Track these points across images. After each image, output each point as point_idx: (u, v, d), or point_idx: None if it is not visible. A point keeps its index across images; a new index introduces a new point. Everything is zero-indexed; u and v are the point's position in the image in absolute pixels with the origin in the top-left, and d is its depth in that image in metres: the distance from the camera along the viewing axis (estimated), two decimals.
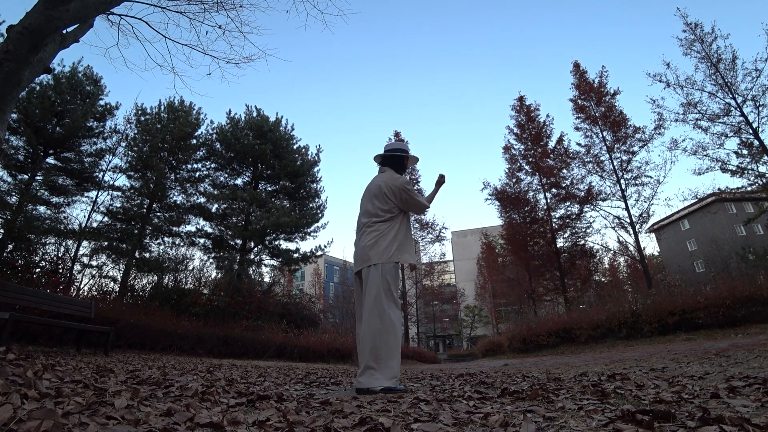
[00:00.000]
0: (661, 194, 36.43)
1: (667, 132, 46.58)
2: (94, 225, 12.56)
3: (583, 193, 18.21)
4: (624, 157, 17.35)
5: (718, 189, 15.92)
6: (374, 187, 2.96)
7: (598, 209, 18.07)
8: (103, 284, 11.35)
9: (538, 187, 19.94)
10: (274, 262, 16.15)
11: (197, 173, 15.45)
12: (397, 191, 2.87)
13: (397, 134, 25.10)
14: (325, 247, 15.87)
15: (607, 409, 1.44)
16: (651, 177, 16.77)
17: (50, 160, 12.60)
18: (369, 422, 1.32)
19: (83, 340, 5.88)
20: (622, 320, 10.36)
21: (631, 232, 16.72)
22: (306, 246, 33.12)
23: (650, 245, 51.80)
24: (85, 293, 9.67)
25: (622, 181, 17.13)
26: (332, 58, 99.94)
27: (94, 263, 12.34)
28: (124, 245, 12.29)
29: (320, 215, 16.07)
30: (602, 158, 17.86)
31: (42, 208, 12.30)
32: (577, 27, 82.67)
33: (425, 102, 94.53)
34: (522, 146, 20.82)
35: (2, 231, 9.38)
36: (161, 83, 62.32)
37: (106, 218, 13.01)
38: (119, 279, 11.89)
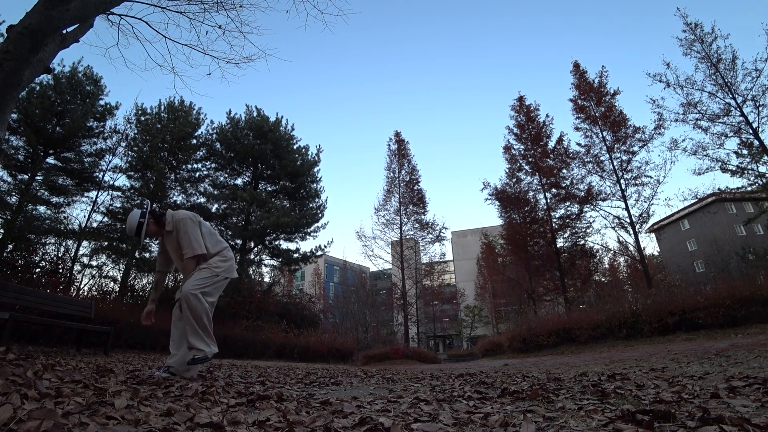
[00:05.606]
0: (661, 194, 36.42)
1: (667, 132, 46.64)
2: (94, 225, 12.58)
3: (583, 193, 18.21)
4: (624, 157, 17.35)
5: (718, 189, 15.91)
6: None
7: (598, 209, 18.09)
8: (103, 284, 11.38)
9: (538, 187, 19.95)
10: (274, 262, 16.17)
11: (197, 173, 15.48)
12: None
13: (397, 134, 25.17)
14: (325, 247, 15.91)
15: (607, 409, 1.44)
16: (651, 177, 16.80)
17: (50, 160, 12.61)
18: (369, 422, 1.32)
19: (83, 340, 5.87)
20: (622, 320, 10.36)
21: (631, 232, 16.72)
22: (306, 246, 33.14)
23: (650, 245, 51.80)
24: (85, 293, 9.65)
25: (622, 181, 17.13)
26: (333, 58, 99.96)
27: (94, 263, 12.38)
28: (124, 245, 12.29)
29: (320, 215, 16.09)
30: (602, 158, 17.88)
31: (42, 208, 12.32)
32: (577, 27, 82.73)
33: (426, 102, 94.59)
34: (522, 146, 20.84)
35: (2, 231, 9.38)
36: (161, 83, 62.14)
37: (106, 218, 13.02)
38: (119, 279, 11.90)
